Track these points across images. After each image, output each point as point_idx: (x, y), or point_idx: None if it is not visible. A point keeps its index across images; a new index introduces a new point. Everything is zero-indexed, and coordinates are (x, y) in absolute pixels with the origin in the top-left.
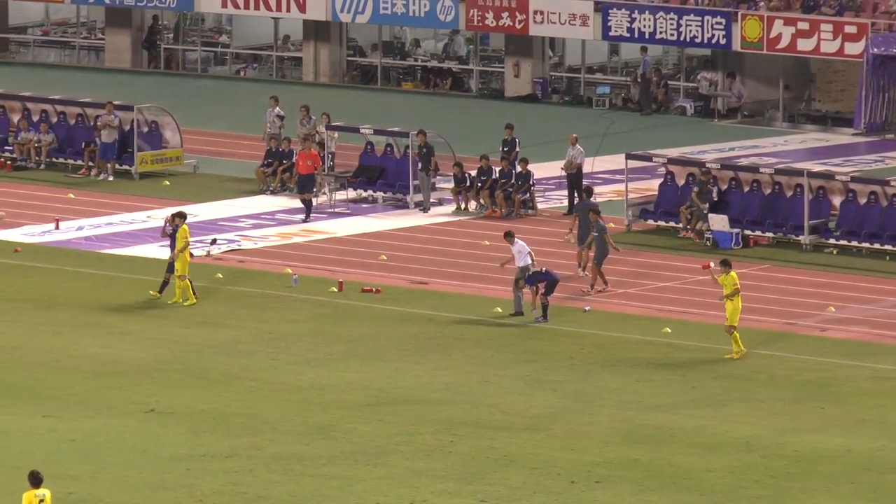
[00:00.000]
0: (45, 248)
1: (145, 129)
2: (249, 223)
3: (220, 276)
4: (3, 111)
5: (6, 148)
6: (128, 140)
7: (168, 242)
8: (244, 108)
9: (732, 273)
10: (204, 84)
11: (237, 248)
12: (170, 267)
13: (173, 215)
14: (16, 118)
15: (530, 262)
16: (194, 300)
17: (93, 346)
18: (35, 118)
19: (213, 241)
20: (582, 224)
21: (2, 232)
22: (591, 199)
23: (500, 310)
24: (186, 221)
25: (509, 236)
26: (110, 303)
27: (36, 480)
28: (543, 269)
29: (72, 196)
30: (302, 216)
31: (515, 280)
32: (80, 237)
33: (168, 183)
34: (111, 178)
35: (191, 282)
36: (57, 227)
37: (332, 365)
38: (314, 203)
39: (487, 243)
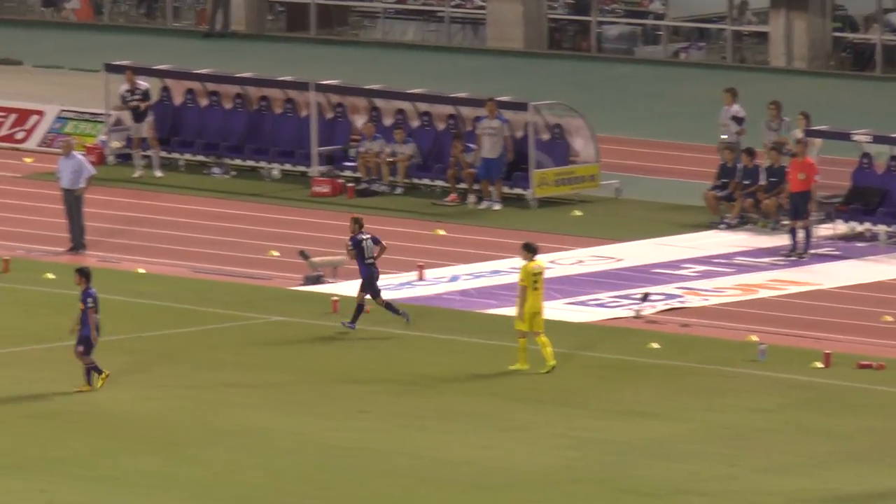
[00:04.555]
0: (401, 306)
1: (545, 137)
2: (696, 270)
3: (656, 345)
4: (342, 111)
5: (346, 164)
6: (521, 153)
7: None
8: (686, 105)
9: None
10: (628, 71)
11: (678, 305)
12: None
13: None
14: (360, 121)
15: None
16: (525, 366)
17: (472, 445)
18: (387, 121)
19: (645, 297)
20: None
21: (342, 284)
22: None
23: None
24: (536, 257)
25: None
26: (496, 384)
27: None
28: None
29: (442, 233)
30: (789, 252)
31: None
32: (453, 290)
33: (579, 213)
34: (497, 207)
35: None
36: (421, 277)
37: (815, 473)
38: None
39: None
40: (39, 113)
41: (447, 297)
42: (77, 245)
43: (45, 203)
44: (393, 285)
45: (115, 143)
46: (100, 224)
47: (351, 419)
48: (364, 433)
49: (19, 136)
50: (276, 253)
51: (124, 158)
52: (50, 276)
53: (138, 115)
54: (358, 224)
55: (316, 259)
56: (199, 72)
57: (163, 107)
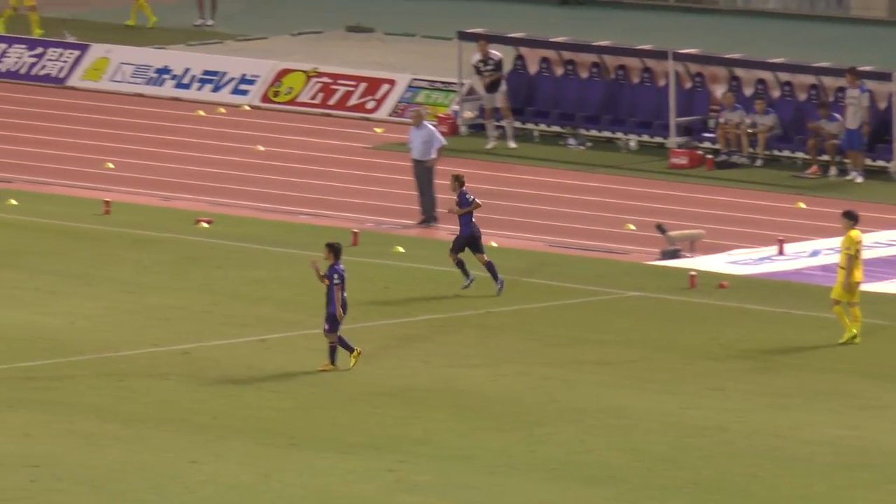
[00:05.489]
0: (760, 281)
1: None
2: None
3: None
4: (701, 81)
5: (705, 135)
6: (885, 123)
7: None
8: None
9: None
10: None
11: None
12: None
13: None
14: (719, 91)
15: None
16: (855, 332)
17: (835, 424)
18: (747, 91)
19: None
20: None
21: (700, 258)
22: None
23: None
24: (858, 226)
25: None
26: (859, 361)
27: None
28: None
29: (802, 206)
30: None
31: None
32: (814, 266)
33: None
34: (860, 180)
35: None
36: (781, 252)
37: None
38: None
39: None
40: (391, 82)
41: (808, 272)
42: (428, 218)
43: (396, 174)
44: (752, 260)
45: (468, 114)
46: (451, 196)
47: (707, 397)
48: (721, 412)
49: (370, 105)
50: (632, 226)
51: (477, 129)
52: (400, 249)
53: (491, 85)
54: (459, 182)
55: (673, 233)
56: (554, 40)
57: (517, 76)
